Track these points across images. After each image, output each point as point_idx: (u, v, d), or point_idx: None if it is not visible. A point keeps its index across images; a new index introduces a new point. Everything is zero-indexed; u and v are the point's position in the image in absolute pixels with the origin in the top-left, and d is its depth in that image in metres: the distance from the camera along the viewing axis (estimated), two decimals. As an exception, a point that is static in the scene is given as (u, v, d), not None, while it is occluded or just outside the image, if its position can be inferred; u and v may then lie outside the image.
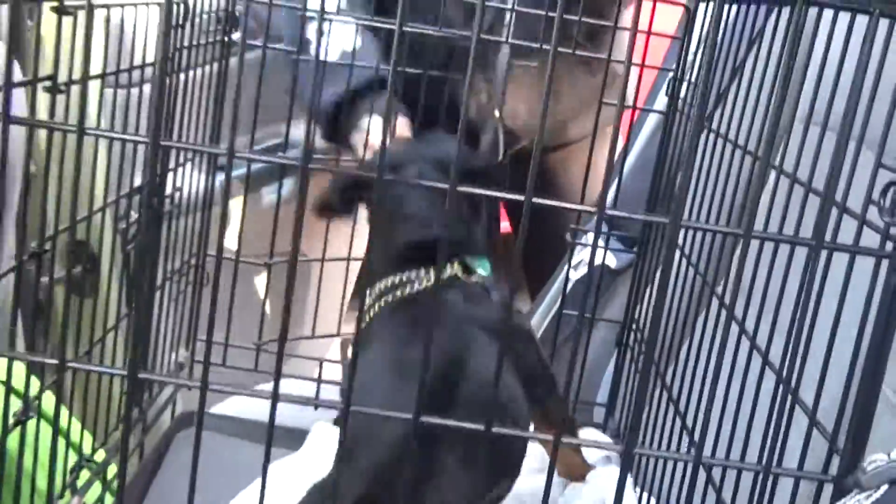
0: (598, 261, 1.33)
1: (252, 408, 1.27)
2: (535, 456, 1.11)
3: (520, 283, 1.38)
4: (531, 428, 1.03)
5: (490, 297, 1.00)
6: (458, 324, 0.93)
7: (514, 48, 1.44)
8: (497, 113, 1.51)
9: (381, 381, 0.90)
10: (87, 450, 1.12)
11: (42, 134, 0.74)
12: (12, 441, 0.89)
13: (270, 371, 1.26)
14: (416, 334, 0.91)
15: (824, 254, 0.63)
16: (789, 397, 0.65)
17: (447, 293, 0.96)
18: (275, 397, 0.62)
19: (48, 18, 0.73)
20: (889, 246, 0.62)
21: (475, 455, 0.77)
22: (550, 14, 1.25)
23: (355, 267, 1.49)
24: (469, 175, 0.87)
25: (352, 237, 1.43)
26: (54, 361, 0.61)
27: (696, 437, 0.64)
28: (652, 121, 1.50)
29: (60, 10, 0.71)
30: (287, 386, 1.36)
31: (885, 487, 0.49)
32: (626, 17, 1.48)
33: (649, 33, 1.27)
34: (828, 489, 0.61)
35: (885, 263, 0.61)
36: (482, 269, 1.02)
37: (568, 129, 1.75)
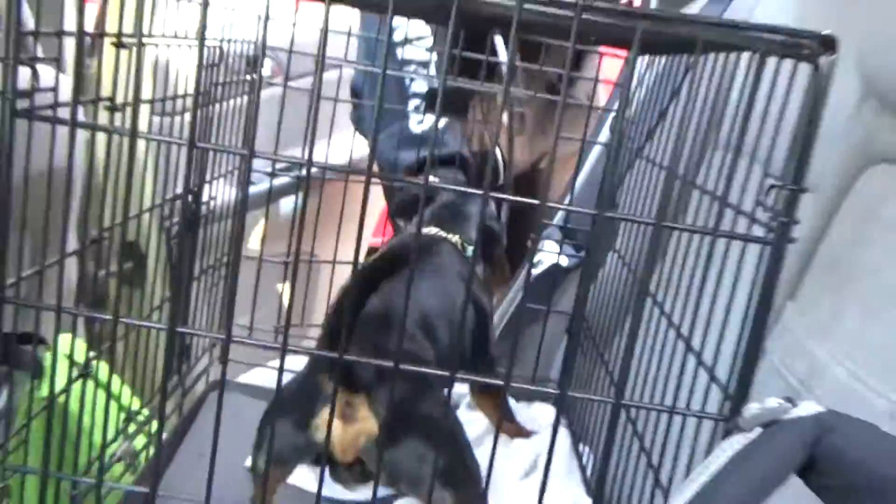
0: (553, 260, 1.35)
1: (270, 377, 1.29)
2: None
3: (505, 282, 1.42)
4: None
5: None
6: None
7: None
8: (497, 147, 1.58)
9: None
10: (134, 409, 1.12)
11: (101, 149, 0.76)
12: (73, 403, 0.90)
13: (288, 348, 1.26)
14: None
15: (723, 242, 0.65)
16: (692, 357, 0.67)
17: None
18: (281, 370, 0.66)
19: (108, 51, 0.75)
20: (771, 236, 0.63)
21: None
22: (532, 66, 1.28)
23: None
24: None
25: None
26: (109, 317, 0.62)
27: (619, 382, 0.65)
28: (597, 151, 1.51)
29: (118, 45, 0.73)
30: (299, 362, 1.37)
31: (758, 429, 0.50)
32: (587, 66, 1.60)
33: (597, 80, 1.29)
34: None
35: (767, 249, 0.63)
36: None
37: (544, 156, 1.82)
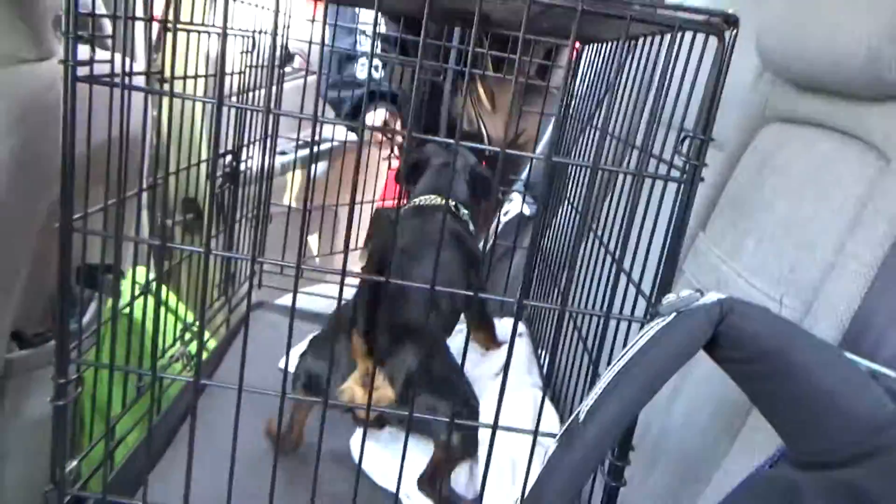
0: (518, 210, 1.35)
1: (299, 301, 1.30)
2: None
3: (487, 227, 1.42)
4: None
5: (468, 224, 1.10)
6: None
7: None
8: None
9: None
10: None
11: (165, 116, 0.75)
12: (138, 311, 0.90)
13: (312, 279, 1.27)
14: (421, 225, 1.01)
15: (647, 186, 0.65)
16: (624, 276, 0.68)
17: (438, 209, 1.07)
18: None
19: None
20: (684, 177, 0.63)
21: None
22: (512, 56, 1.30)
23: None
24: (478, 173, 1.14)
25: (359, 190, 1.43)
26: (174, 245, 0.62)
27: (565, 294, 0.65)
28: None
29: (165, 29, 0.72)
30: (321, 289, 1.37)
31: (673, 314, 0.50)
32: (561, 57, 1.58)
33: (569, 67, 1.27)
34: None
35: (682, 188, 0.63)
36: (466, 216, 1.11)
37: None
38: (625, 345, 0.66)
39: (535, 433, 0.63)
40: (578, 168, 1.11)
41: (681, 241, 0.64)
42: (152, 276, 0.92)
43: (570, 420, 0.50)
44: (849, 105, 0.70)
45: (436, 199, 1.10)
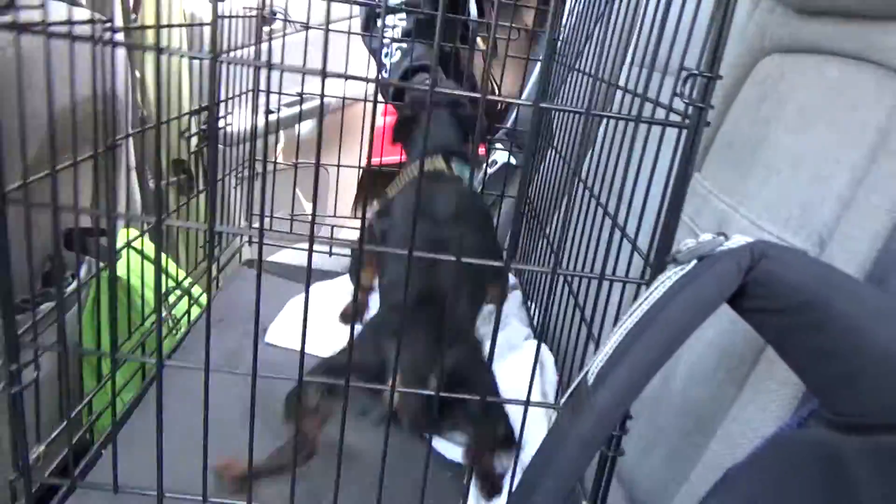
0: (505, 160, 1.25)
1: (289, 257, 1.22)
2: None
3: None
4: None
5: (463, 183, 0.99)
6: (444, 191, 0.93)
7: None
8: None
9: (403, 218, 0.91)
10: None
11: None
12: (133, 276, 0.80)
13: (301, 234, 1.17)
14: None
15: (644, 129, 0.54)
16: (616, 231, 0.58)
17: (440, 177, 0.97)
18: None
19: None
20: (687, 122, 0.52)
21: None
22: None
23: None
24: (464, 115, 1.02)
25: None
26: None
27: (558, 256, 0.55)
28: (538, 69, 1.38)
29: None
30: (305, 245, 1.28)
31: (694, 262, 0.41)
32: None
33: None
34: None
35: (683, 134, 0.52)
36: (462, 170, 1.00)
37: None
38: (620, 302, 0.58)
39: (527, 404, 0.53)
40: (565, 114, 1.00)
41: (683, 193, 0.53)
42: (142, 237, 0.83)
43: (576, 383, 0.41)
44: (860, 27, 0.60)
45: (437, 162, 0.99)
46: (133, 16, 1.18)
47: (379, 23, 1.36)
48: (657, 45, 0.55)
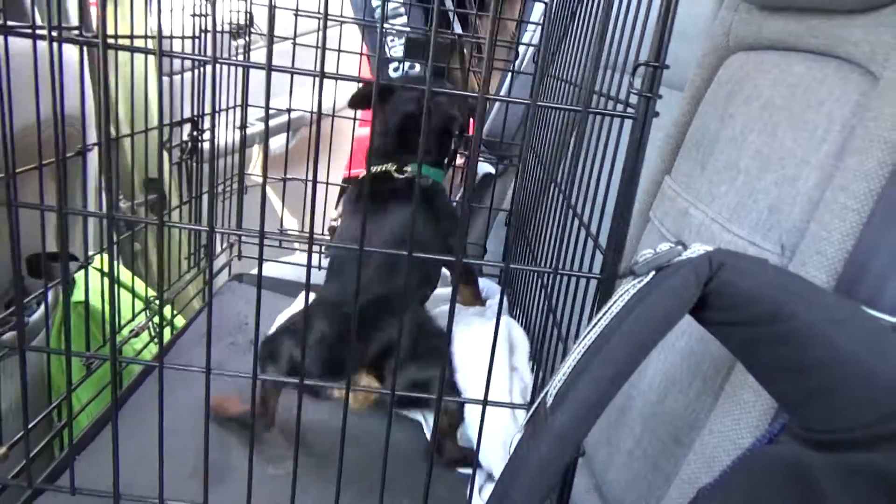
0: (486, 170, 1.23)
1: (276, 270, 1.19)
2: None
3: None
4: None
5: (435, 188, 0.94)
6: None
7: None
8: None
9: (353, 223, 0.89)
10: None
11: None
12: (97, 300, 0.77)
13: (288, 249, 1.14)
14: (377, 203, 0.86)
15: (598, 121, 0.52)
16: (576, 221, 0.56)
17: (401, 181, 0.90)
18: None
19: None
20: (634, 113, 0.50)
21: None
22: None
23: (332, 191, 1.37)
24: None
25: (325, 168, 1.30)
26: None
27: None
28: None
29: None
30: (300, 259, 1.26)
31: (652, 273, 0.38)
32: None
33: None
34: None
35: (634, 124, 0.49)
36: (433, 176, 0.95)
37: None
38: (594, 304, 0.55)
39: (485, 403, 0.54)
40: (543, 117, 0.97)
41: (634, 185, 0.50)
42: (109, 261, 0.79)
43: (535, 405, 0.38)
44: (823, 21, 0.57)
45: (388, 165, 0.92)
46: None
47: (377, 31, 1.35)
48: (611, 43, 0.53)
